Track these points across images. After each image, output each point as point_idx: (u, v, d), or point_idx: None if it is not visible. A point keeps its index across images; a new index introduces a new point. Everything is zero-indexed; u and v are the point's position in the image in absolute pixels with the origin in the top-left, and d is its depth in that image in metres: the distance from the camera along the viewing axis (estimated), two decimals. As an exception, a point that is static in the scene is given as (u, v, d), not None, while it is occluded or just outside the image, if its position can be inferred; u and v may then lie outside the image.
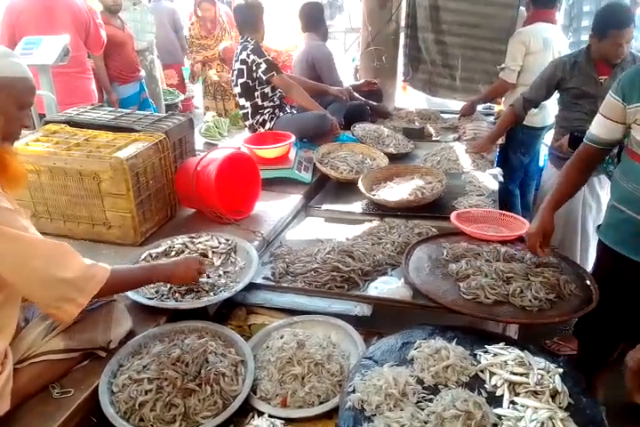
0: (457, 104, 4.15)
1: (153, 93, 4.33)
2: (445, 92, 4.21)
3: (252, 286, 1.84)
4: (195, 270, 1.59)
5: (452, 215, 2.14)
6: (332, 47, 3.82)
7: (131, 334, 1.53)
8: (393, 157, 2.96)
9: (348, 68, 5.02)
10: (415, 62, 4.28)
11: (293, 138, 2.81)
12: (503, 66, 3.28)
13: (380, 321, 1.73)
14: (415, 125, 3.60)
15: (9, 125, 1.30)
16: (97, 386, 1.35)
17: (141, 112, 2.62)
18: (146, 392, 1.32)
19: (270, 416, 1.36)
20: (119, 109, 2.68)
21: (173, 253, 1.93)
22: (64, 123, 2.30)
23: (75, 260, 1.29)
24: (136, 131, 2.23)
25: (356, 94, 3.65)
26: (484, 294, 1.67)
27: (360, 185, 2.49)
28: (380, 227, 2.23)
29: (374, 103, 3.75)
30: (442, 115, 3.89)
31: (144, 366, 1.39)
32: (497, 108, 4.01)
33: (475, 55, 3.87)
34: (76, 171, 1.98)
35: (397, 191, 2.47)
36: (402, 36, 4.16)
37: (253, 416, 1.37)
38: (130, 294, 1.66)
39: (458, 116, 3.69)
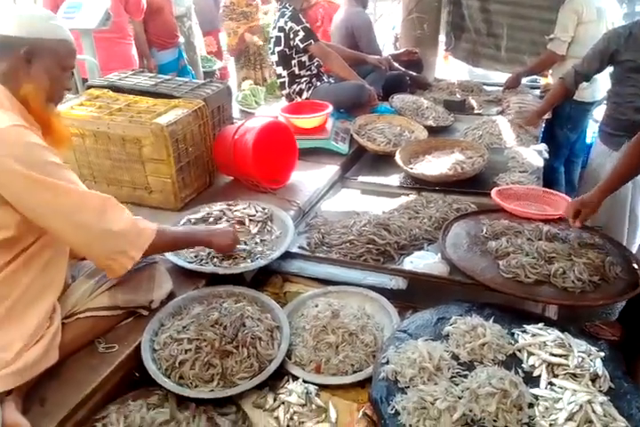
0: (501, 76, 3.96)
1: (191, 60, 4.29)
2: (489, 62, 4.02)
3: (287, 255, 1.84)
4: (232, 240, 1.64)
5: (493, 192, 2.07)
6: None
7: (171, 296, 1.57)
8: (432, 130, 2.87)
9: (388, 36, 4.83)
10: (458, 31, 4.08)
11: (331, 108, 2.75)
12: (552, 36, 3.09)
13: (415, 296, 1.71)
14: (456, 97, 3.46)
15: (53, 87, 1.31)
16: (139, 343, 1.39)
17: (181, 78, 2.59)
18: (185, 351, 1.36)
19: (304, 381, 1.38)
20: (159, 75, 2.66)
21: (212, 219, 1.94)
22: (106, 88, 2.30)
23: (122, 213, 1.31)
24: (176, 97, 2.21)
25: (396, 64, 3.52)
26: (525, 273, 1.63)
27: (397, 158, 2.43)
28: (417, 201, 2.18)
29: (414, 73, 3.62)
30: (485, 87, 3.73)
31: (184, 327, 1.43)
32: (543, 80, 3.81)
33: (522, 24, 3.66)
34: (118, 136, 1.99)
35: (436, 165, 2.40)
36: (445, 2, 3.96)
37: (288, 380, 1.40)
38: (171, 257, 1.68)
39: (502, 88, 3.53)
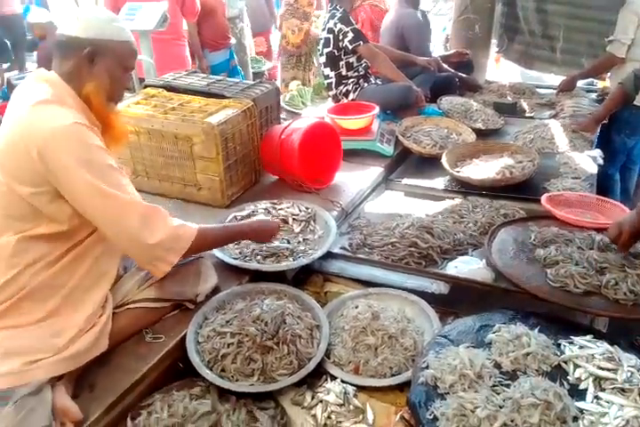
0: (555, 79, 3.81)
1: (241, 61, 4.37)
2: (543, 65, 3.88)
3: (329, 255, 1.85)
4: (272, 229, 1.68)
5: (543, 198, 2.00)
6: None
7: (216, 290, 1.61)
8: (481, 133, 2.80)
9: (438, 37, 4.75)
10: (511, 32, 3.96)
11: (377, 109, 2.73)
12: (612, 38, 2.95)
13: (457, 301, 1.68)
14: (507, 100, 3.36)
15: (114, 87, 1.36)
16: (184, 335, 1.43)
17: (231, 79, 2.65)
18: (228, 345, 1.39)
19: (342, 382, 1.38)
20: (211, 76, 2.73)
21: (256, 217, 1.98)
22: (161, 87, 2.38)
23: (163, 222, 1.32)
24: (226, 97, 2.26)
25: (445, 66, 3.46)
26: (574, 282, 1.56)
27: (444, 161, 2.39)
28: (463, 205, 2.14)
29: (464, 75, 3.54)
30: (537, 90, 3.60)
31: (227, 321, 1.46)
32: (600, 84, 3.65)
33: (580, 25, 3.51)
34: (171, 134, 2.06)
35: (483, 169, 2.34)
36: (498, 3, 3.85)
37: (326, 379, 1.40)
38: (216, 253, 1.73)
39: (556, 91, 3.40)
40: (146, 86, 2.43)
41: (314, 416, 1.30)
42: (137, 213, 1.28)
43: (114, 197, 1.25)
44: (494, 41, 4.07)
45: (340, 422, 1.28)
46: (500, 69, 4.43)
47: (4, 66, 6.08)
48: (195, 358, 1.37)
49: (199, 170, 2.11)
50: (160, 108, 2.15)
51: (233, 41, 4.17)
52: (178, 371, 1.41)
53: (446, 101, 3.07)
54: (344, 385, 1.36)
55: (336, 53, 3.02)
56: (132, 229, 1.27)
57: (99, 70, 1.31)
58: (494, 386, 1.29)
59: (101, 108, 1.34)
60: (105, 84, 1.33)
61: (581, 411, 1.20)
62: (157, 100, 2.26)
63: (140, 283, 1.46)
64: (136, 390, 1.30)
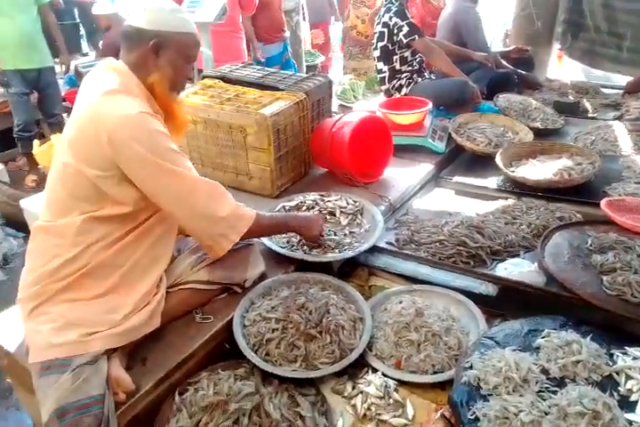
0: (621, 78, 3.63)
1: (295, 54, 4.41)
2: (609, 64, 3.70)
3: (375, 249, 1.86)
4: (319, 231, 1.72)
5: (603, 202, 1.92)
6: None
7: (263, 277, 1.65)
8: (539, 133, 2.71)
9: (497, 32, 4.61)
10: (575, 29, 3.80)
11: (430, 105, 2.70)
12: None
13: (505, 304, 1.64)
14: (569, 99, 3.23)
15: (177, 77, 1.41)
16: (232, 318, 1.48)
17: (285, 72, 2.69)
18: (273, 330, 1.42)
19: (384, 375, 1.39)
20: (266, 68, 2.78)
21: (304, 208, 2.01)
22: (218, 78, 2.44)
23: (227, 199, 1.40)
24: (280, 89, 2.30)
25: (504, 62, 3.36)
26: (632, 291, 1.50)
27: (498, 159, 2.33)
28: (516, 206, 2.08)
29: (523, 72, 3.43)
30: (602, 89, 3.44)
31: (272, 307, 1.50)
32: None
33: (649, 24, 3.32)
34: (226, 124, 2.12)
35: (540, 170, 2.27)
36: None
37: (368, 371, 1.41)
38: (265, 241, 1.77)
39: (622, 92, 3.23)
40: (204, 77, 2.50)
41: (353, 406, 1.32)
42: (204, 190, 1.34)
43: (181, 175, 1.30)
44: (557, 37, 3.91)
45: (380, 414, 1.29)
46: (562, 67, 4.26)
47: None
48: (241, 341, 1.41)
49: (251, 160, 2.16)
50: (216, 99, 2.21)
51: (287, 34, 4.21)
52: (224, 352, 1.46)
53: (504, 99, 2.98)
54: (385, 379, 1.37)
55: (390, 47, 3.00)
56: (201, 205, 1.33)
57: (163, 61, 1.36)
58: (540, 392, 1.26)
59: (165, 98, 1.40)
60: (169, 74, 1.37)
61: (630, 423, 1.16)
62: (214, 90, 2.33)
63: (192, 265, 1.52)
64: (184, 366, 1.36)
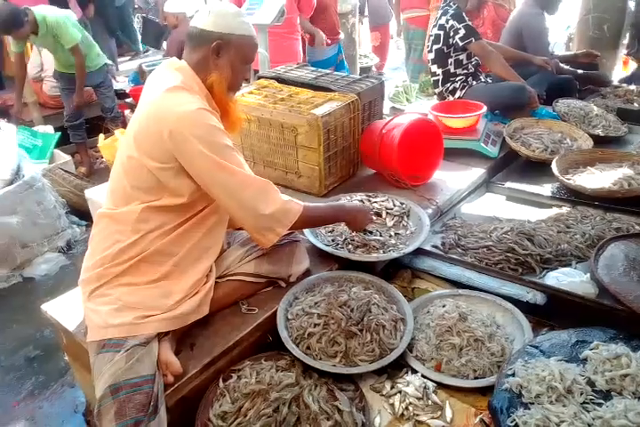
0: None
1: (349, 56, 4.46)
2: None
3: (419, 252, 1.86)
4: (367, 219, 1.74)
5: (665, 213, 1.84)
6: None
7: (307, 273, 1.70)
8: (599, 140, 2.62)
9: (560, 36, 4.47)
10: (644, 33, 3.64)
11: (484, 109, 2.66)
12: None
13: (553, 314, 1.61)
14: (634, 106, 3.09)
15: (234, 77, 1.48)
16: (276, 310, 1.53)
17: (339, 73, 2.73)
18: (315, 325, 1.47)
19: (423, 376, 1.40)
20: (319, 69, 2.83)
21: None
22: (273, 79, 2.53)
23: (276, 195, 1.45)
24: (332, 90, 2.35)
25: (567, 67, 3.26)
26: (691, 307, 1.44)
27: (554, 166, 2.28)
28: (571, 215, 2.03)
29: (590, 72, 3.30)
30: (670, 96, 3.27)
31: (315, 303, 1.54)
32: None
33: None
34: (278, 123, 2.19)
35: (598, 178, 2.20)
36: (631, 1, 3.54)
37: (407, 372, 1.43)
38: (311, 238, 1.82)
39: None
40: (259, 77, 2.59)
41: (392, 405, 1.34)
42: (254, 187, 1.40)
43: (234, 171, 1.37)
44: (624, 42, 3.76)
45: (418, 414, 1.30)
46: (627, 73, 4.08)
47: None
48: (283, 334, 1.46)
49: (301, 158, 2.22)
50: (270, 99, 2.29)
51: (342, 36, 4.27)
52: (266, 343, 1.51)
53: (563, 104, 2.90)
54: (424, 380, 1.38)
55: (445, 50, 2.98)
56: (249, 201, 1.39)
57: (223, 62, 1.43)
58: (584, 403, 1.24)
59: (222, 97, 1.47)
60: (227, 74, 1.44)
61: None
62: (268, 90, 2.41)
63: (240, 258, 1.59)
64: (229, 354, 1.43)
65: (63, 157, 3.61)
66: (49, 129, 3.75)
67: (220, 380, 1.36)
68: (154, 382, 1.23)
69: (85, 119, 3.98)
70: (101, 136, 3.54)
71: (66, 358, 1.89)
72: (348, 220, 1.71)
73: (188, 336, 1.45)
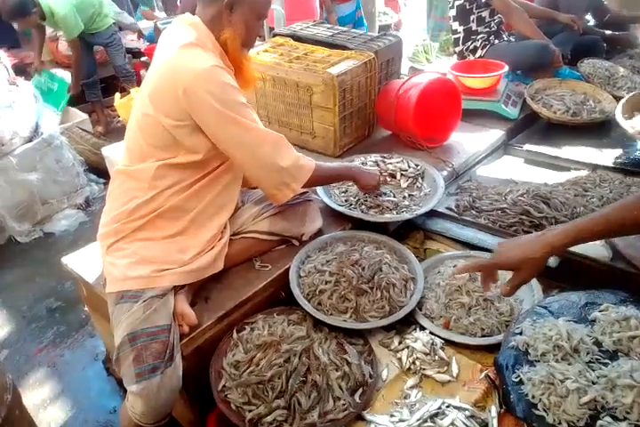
0: None
1: (368, 14, 4.29)
2: None
3: (433, 213, 1.85)
4: (376, 182, 1.73)
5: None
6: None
7: (320, 232, 1.71)
8: (624, 102, 2.51)
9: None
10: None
11: (506, 68, 2.56)
12: None
13: (565, 277, 1.60)
14: (662, 68, 2.95)
15: (248, 34, 1.44)
16: (288, 268, 1.55)
17: (356, 31, 2.63)
18: (326, 282, 1.48)
19: (431, 333, 1.42)
20: (336, 27, 2.73)
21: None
22: (289, 36, 2.44)
23: (290, 150, 1.45)
24: (349, 49, 2.27)
25: (597, 29, 3.09)
26: None
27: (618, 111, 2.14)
28: (589, 178, 1.98)
29: (621, 33, 3.13)
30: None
31: (327, 261, 1.55)
32: None
33: None
34: (293, 82, 2.13)
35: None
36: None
37: (415, 329, 1.45)
38: (324, 198, 1.81)
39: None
40: (274, 35, 2.51)
41: (399, 359, 1.37)
42: (269, 141, 1.40)
43: (248, 127, 1.36)
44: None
45: (424, 369, 1.33)
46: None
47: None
48: (295, 290, 1.49)
49: (316, 119, 2.18)
50: (285, 57, 2.22)
51: (360, -9, 4.09)
52: (279, 299, 1.54)
53: (588, 64, 2.77)
54: (432, 337, 1.40)
55: (467, 6, 2.83)
56: (265, 155, 1.39)
57: (236, 18, 1.39)
58: (590, 362, 1.24)
59: (236, 53, 1.44)
60: (241, 31, 1.41)
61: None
62: (284, 48, 2.34)
63: (254, 216, 1.60)
64: (242, 308, 1.46)
65: (80, 116, 3.61)
66: (66, 75, 3.75)
67: (234, 331, 1.40)
68: (170, 332, 1.27)
69: (101, 78, 3.96)
70: (117, 95, 3.51)
71: (86, 309, 1.96)
72: (357, 178, 1.70)
73: (203, 290, 1.48)
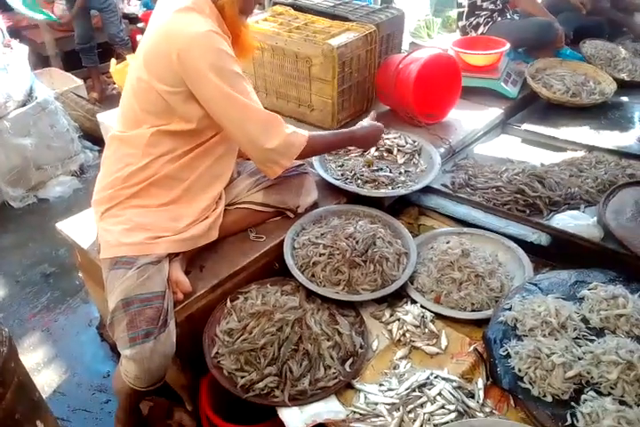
0: None
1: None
2: None
3: (428, 190, 1.83)
4: (377, 137, 1.68)
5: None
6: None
7: (315, 205, 1.68)
8: (624, 85, 2.47)
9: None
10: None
11: (507, 46, 2.49)
12: None
13: (556, 255, 1.60)
14: (664, 51, 2.89)
15: (247, 1, 1.37)
16: (283, 239, 1.53)
17: (358, 2, 2.54)
18: (320, 255, 1.47)
19: (422, 307, 1.42)
20: (338, -3, 2.63)
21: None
22: (289, 6, 2.35)
23: (279, 129, 1.38)
24: (350, 20, 2.19)
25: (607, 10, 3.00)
26: (695, 254, 1.41)
27: None
28: (585, 159, 1.96)
29: (628, 16, 3.05)
30: None
31: (322, 234, 1.53)
32: None
33: None
34: (292, 52, 2.06)
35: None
36: None
37: (407, 302, 1.45)
38: (320, 172, 1.78)
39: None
40: (275, 4, 2.42)
41: (390, 331, 1.37)
42: (258, 119, 1.34)
43: (239, 100, 1.31)
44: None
45: (414, 341, 1.33)
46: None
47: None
48: (289, 261, 1.47)
49: (314, 91, 2.12)
50: (285, 27, 2.14)
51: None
52: (273, 270, 1.52)
53: (590, 45, 2.71)
54: (423, 310, 1.40)
55: None
56: (252, 133, 1.34)
57: None
58: (577, 338, 1.25)
59: (233, 20, 1.37)
60: None
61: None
62: (284, 18, 2.25)
63: (249, 187, 1.57)
64: (236, 277, 1.45)
65: (75, 82, 3.49)
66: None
67: (228, 300, 1.39)
68: (164, 299, 1.25)
69: (98, 44, 3.82)
70: (113, 61, 3.40)
71: (80, 275, 1.94)
72: (361, 142, 1.66)
73: (198, 259, 1.46)
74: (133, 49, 3.75)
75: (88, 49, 3.67)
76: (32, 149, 2.71)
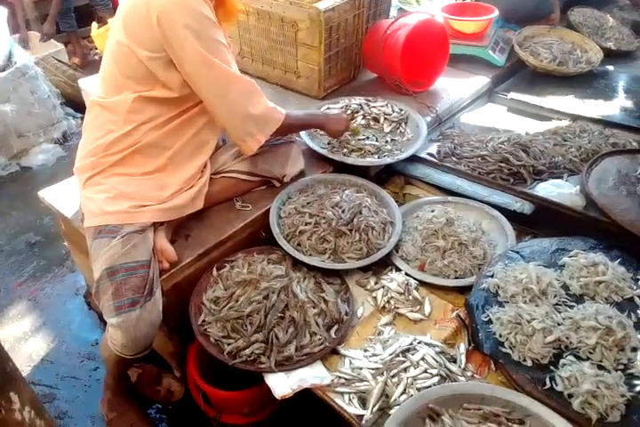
0: None
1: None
2: None
3: (414, 159, 1.77)
4: (344, 127, 1.65)
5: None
6: None
7: (301, 174, 1.62)
8: (610, 54, 2.40)
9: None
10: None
11: (496, 13, 2.38)
12: None
13: (538, 224, 1.58)
14: (650, 20, 2.81)
15: None
16: (269, 208, 1.48)
17: (346, -36, 2.39)
18: (306, 224, 1.43)
19: (407, 275, 1.40)
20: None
21: (349, 111, 1.90)
22: (275, -35, 2.20)
23: (262, 99, 1.34)
24: (339, -17, 2.05)
25: None
26: (673, 222, 1.40)
27: None
28: (570, 128, 1.91)
29: None
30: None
31: (308, 203, 1.49)
32: None
33: None
34: (278, 16, 1.94)
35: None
36: None
37: (392, 270, 1.43)
38: (307, 140, 1.71)
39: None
40: (260, -37, 2.26)
41: (374, 298, 1.35)
42: (240, 86, 1.29)
43: (219, 67, 1.24)
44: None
45: (398, 307, 1.32)
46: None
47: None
48: (275, 230, 1.43)
49: (300, 57, 2.02)
50: (271, -12, 2.01)
51: None
52: (259, 239, 1.48)
53: (578, 13, 2.61)
54: (407, 278, 1.38)
55: None
56: (235, 100, 1.28)
57: None
58: (557, 305, 1.25)
59: None
60: None
61: (644, 343, 1.15)
62: (270, -22, 2.11)
63: (235, 155, 1.50)
64: (222, 246, 1.40)
65: (55, 46, 3.29)
66: None
67: (214, 269, 1.35)
68: (149, 268, 1.21)
69: (75, 7, 3.58)
70: (94, 25, 3.20)
71: (66, 244, 1.88)
72: (325, 125, 1.62)
73: (184, 228, 1.41)
74: (114, 11, 3.54)
75: (64, 12, 3.43)
76: (12, 115, 2.57)
